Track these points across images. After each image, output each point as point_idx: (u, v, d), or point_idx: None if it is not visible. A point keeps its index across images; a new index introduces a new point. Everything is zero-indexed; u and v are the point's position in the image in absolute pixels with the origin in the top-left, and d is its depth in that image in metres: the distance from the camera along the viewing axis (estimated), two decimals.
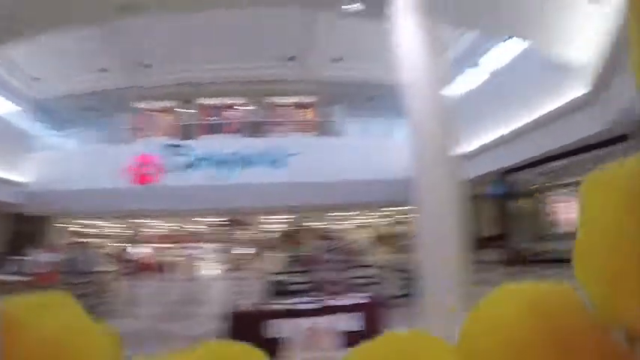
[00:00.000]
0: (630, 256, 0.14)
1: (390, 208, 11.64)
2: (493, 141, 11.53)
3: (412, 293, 5.03)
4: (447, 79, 10.48)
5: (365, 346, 0.22)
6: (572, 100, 8.52)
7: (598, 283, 0.15)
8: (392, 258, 9.85)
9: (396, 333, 0.21)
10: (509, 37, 9.10)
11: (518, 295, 0.17)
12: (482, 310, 0.16)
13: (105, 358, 0.21)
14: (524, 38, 8.11)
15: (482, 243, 13.43)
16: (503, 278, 9.35)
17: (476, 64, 11.58)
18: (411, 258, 5.42)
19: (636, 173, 0.15)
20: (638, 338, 0.15)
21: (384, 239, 12.84)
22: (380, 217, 14.09)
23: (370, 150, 10.39)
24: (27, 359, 0.19)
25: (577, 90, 8.27)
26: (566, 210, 11.23)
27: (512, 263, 12.13)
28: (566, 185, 11.12)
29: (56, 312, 0.22)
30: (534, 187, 12.11)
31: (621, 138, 8.37)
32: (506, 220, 13.46)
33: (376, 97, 11.48)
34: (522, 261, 11.74)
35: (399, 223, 13.18)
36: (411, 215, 5.53)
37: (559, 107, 8.94)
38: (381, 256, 10.23)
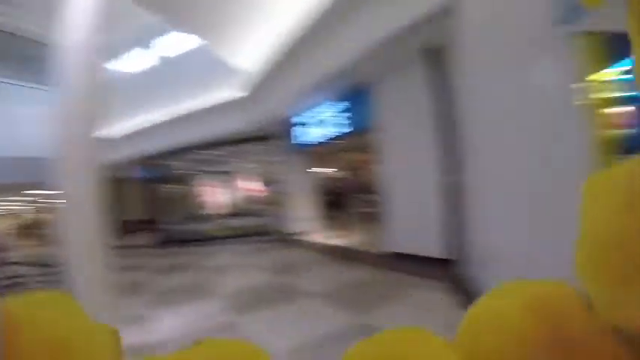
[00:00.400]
0: (631, 256, 0.14)
1: (35, 192, 9.71)
2: (147, 125, 11.79)
3: (63, 288, 4.63)
4: (113, 55, 9.78)
5: (363, 344, 0.21)
6: (229, 100, 10.04)
7: (599, 283, 0.16)
8: (38, 251, 8.43)
9: (395, 331, 0.22)
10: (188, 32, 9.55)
11: (518, 293, 0.18)
12: (481, 307, 0.20)
13: (106, 358, 0.21)
14: (200, 36, 8.67)
15: (133, 227, 13.36)
16: (154, 261, 9.77)
17: (147, 46, 11.45)
18: (57, 249, 4.95)
19: (637, 173, 0.16)
20: (639, 338, 0.15)
21: (28, 229, 10.69)
22: (24, 202, 11.51)
23: (17, 120, 8.26)
24: (27, 359, 0.19)
25: (236, 91, 9.81)
26: (211, 194, 12.93)
27: (162, 245, 12.86)
28: (212, 172, 12.86)
29: (57, 311, 0.22)
30: (184, 172, 13.29)
31: (266, 137, 10.60)
32: (156, 203, 14.10)
33: (34, 58, 9.10)
34: (172, 242, 12.69)
35: (43, 209, 11.25)
36: (55, 200, 4.98)
37: (216, 103, 10.28)
38: (27, 250, 8.55)
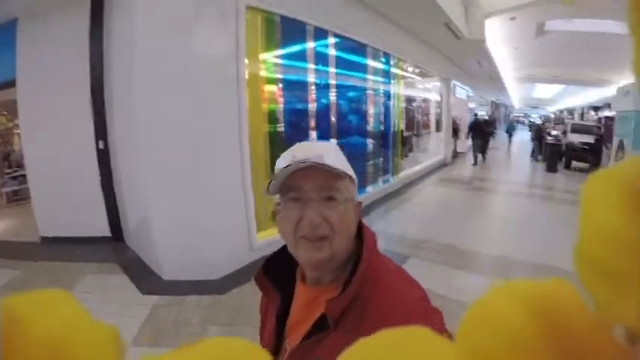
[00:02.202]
0: (632, 255, 0.16)
1: None
2: None
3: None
4: None
5: (360, 344, 0.20)
6: None
7: (600, 282, 0.16)
8: None
9: (393, 330, 0.21)
10: None
11: (518, 292, 0.18)
12: (481, 307, 0.18)
13: (107, 358, 0.21)
14: None
15: None
16: None
17: None
18: None
19: (638, 171, 0.17)
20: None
21: None
22: None
23: None
24: (28, 359, 0.19)
25: None
26: None
27: None
28: None
29: (58, 310, 0.21)
30: None
31: None
32: None
33: None
34: None
35: None
36: None
37: None
38: None
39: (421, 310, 0.69)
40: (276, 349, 0.80)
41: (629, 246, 0.16)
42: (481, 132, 12.22)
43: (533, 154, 14.73)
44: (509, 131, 20.77)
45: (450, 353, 0.20)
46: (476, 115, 15.10)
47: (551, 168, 11.29)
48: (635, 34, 0.18)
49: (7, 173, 10.62)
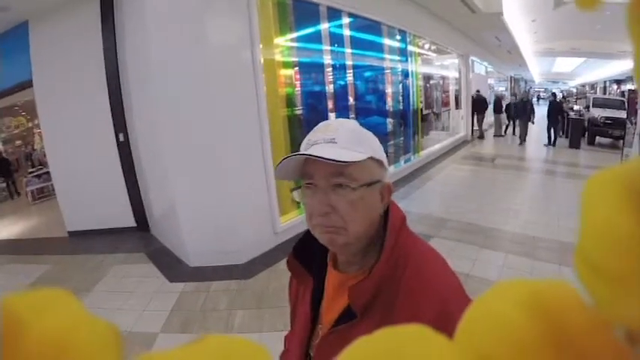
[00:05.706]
0: (633, 255, 0.16)
1: None
2: None
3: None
4: None
5: (361, 342, 0.19)
6: None
7: (600, 282, 0.17)
8: None
9: (393, 329, 0.18)
10: None
11: (517, 291, 0.18)
12: (480, 306, 0.17)
13: (108, 356, 0.19)
14: None
15: None
16: None
17: None
18: None
19: (639, 172, 0.17)
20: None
21: None
22: None
23: None
24: (27, 359, 0.17)
25: None
26: None
27: None
28: None
29: (58, 310, 0.20)
30: None
31: None
32: None
33: None
34: None
35: None
36: None
37: None
38: None
39: (455, 298, 0.65)
40: (311, 332, 0.79)
41: (630, 246, 0.16)
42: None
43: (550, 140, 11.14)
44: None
45: (449, 352, 0.19)
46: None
47: (574, 144, 10.94)
48: (636, 45, 0.16)
49: (30, 172, 10.88)
